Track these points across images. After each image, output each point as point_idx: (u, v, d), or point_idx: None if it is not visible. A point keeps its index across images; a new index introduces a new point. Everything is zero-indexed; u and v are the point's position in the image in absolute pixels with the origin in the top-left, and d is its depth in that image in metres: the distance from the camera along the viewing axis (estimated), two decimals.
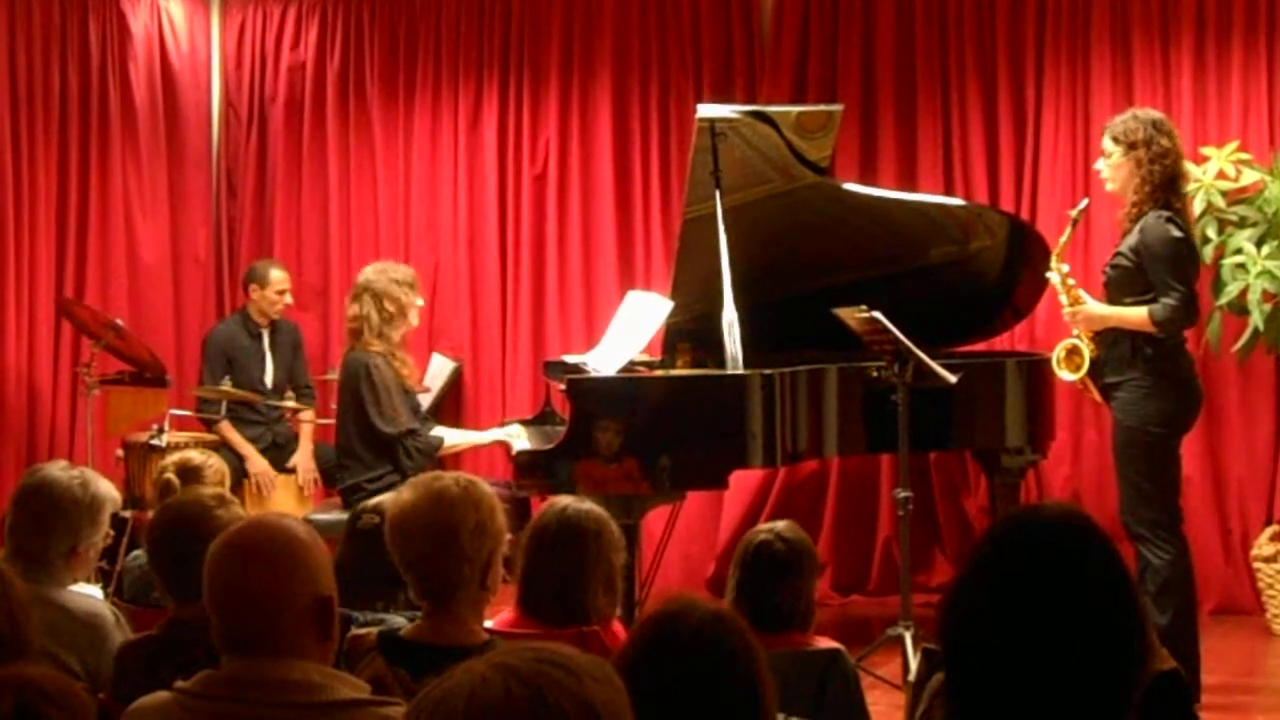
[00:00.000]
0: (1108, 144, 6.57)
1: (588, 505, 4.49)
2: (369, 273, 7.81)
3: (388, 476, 7.33)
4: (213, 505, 4.14)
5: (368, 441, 7.54)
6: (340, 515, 6.99)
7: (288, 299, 8.88)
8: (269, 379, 8.83)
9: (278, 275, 8.85)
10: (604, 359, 7.14)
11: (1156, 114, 6.68)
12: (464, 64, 9.53)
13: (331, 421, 8.78)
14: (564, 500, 4.53)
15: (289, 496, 8.60)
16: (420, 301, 7.85)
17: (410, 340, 8.06)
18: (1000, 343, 8.21)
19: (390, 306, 7.60)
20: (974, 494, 8.52)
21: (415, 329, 7.98)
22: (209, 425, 8.62)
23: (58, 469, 4.54)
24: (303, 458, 8.70)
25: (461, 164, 9.53)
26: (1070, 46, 8.43)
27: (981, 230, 7.67)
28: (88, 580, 4.73)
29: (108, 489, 4.56)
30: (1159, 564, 6.35)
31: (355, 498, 7.09)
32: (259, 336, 8.84)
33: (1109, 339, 6.54)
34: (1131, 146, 6.46)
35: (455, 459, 8.36)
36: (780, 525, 4.58)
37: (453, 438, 7.80)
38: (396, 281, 7.66)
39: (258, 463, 8.56)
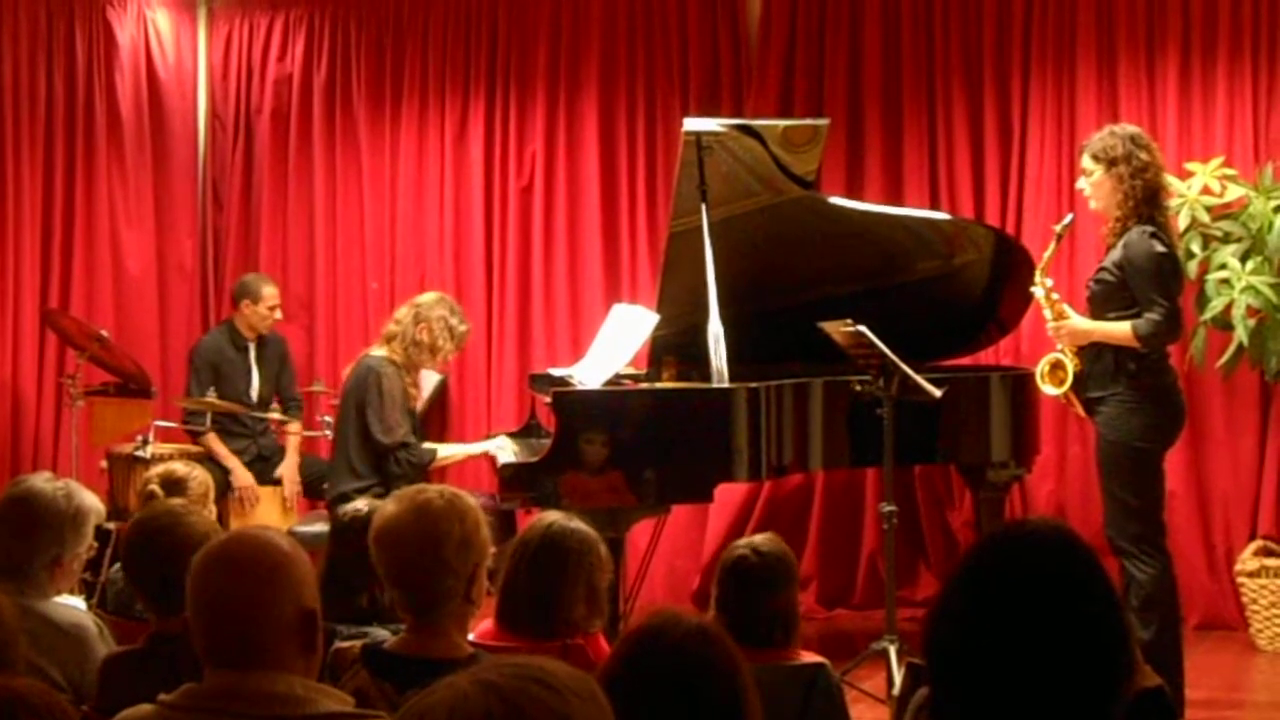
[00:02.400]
0: (1087, 163, 6.57)
1: (576, 524, 4.48)
2: (433, 297, 7.86)
3: (375, 489, 7.31)
4: (182, 513, 4.14)
5: (364, 450, 7.53)
6: (325, 528, 6.98)
7: (277, 315, 8.88)
8: (254, 392, 8.83)
9: (270, 291, 8.84)
10: (589, 372, 7.14)
11: (1133, 128, 6.68)
12: (450, 76, 9.54)
13: (317, 434, 8.80)
14: (552, 516, 4.52)
15: (273, 509, 8.59)
16: (451, 358, 7.92)
17: None
18: (985, 357, 8.22)
19: (424, 335, 7.62)
20: (959, 508, 8.52)
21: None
22: (195, 437, 8.61)
23: (42, 480, 4.54)
24: (288, 469, 8.71)
25: (448, 176, 9.54)
26: (1056, 61, 8.45)
27: (967, 244, 7.68)
28: (71, 592, 4.73)
29: (92, 500, 4.56)
30: (1143, 579, 6.35)
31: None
32: (245, 350, 8.84)
33: (1092, 353, 6.54)
34: (1112, 163, 6.47)
35: (440, 471, 8.36)
36: (759, 539, 4.58)
37: (445, 450, 7.81)
38: (447, 323, 7.68)
39: (242, 476, 8.55)
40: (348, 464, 7.58)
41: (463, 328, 7.81)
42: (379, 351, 7.67)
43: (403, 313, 7.76)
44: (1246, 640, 7.86)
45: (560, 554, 4.36)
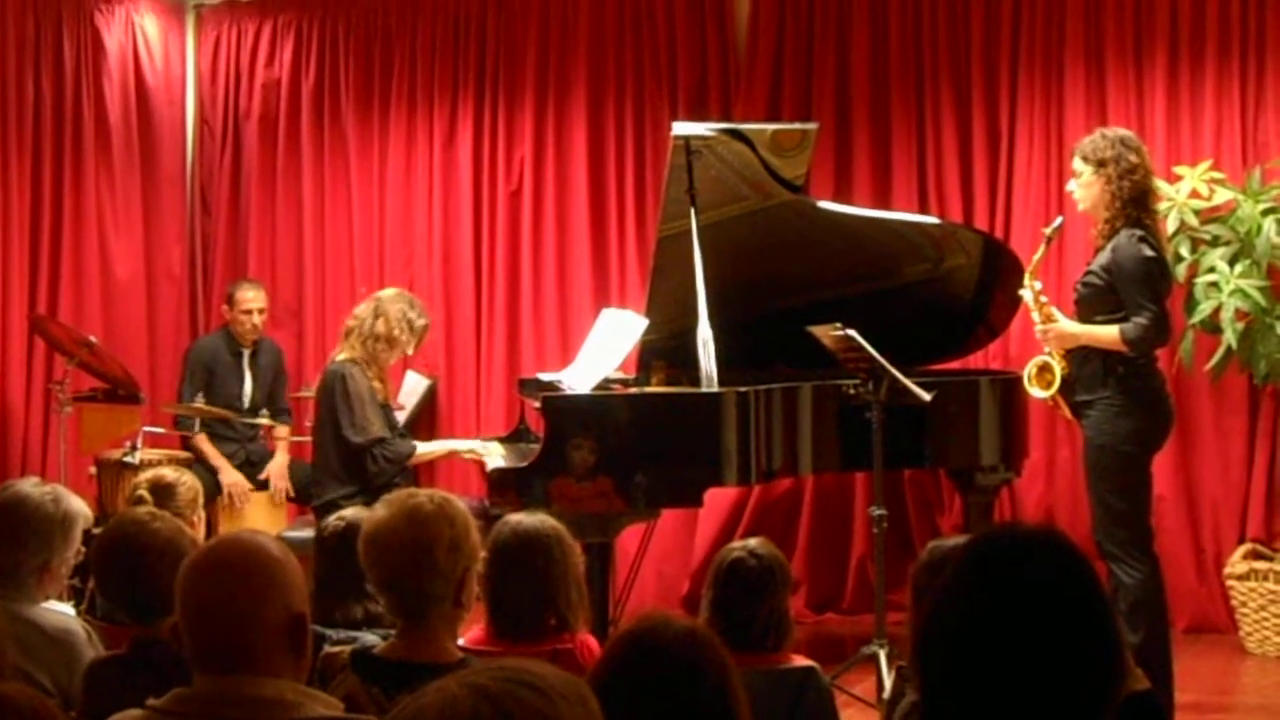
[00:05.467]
0: (1077, 164, 6.59)
1: (540, 516, 4.53)
2: (391, 291, 7.94)
3: (360, 495, 7.29)
4: (146, 520, 4.14)
5: (342, 455, 7.53)
6: (313, 533, 6.97)
7: (255, 319, 8.85)
8: (246, 398, 8.83)
9: (244, 295, 8.84)
10: (578, 377, 7.14)
11: (1124, 131, 6.70)
12: (439, 81, 9.54)
13: (307, 439, 8.79)
14: (515, 517, 4.55)
15: (261, 512, 8.59)
16: (410, 351, 7.90)
17: None
18: (974, 361, 8.22)
19: (381, 327, 7.62)
20: (948, 512, 8.52)
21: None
22: (184, 438, 8.60)
23: (29, 485, 4.53)
24: (276, 468, 8.72)
25: (436, 181, 9.54)
26: (1044, 65, 8.46)
27: (955, 248, 7.68)
28: (60, 598, 4.72)
29: (79, 505, 4.55)
30: (1130, 583, 6.35)
31: (329, 514, 7.04)
32: (240, 355, 8.85)
33: (1080, 357, 6.54)
34: (1100, 164, 6.48)
35: (429, 476, 8.35)
36: (753, 542, 4.60)
37: (425, 446, 7.81)
38: (405, 316, 7.68)
39: (231, 474, 8.57)
40: (330, 471, 7.58)
41: (421, 322, 7.80)
42: (341, 355, 7.68)
43: (362, 308, 7.78)
44: (1236, 643, 7.86)
45: (542, 548, 4.39)
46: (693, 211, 6.96)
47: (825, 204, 7.70)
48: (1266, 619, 7.73)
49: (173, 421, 8.71)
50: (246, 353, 8.88)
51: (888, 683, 6.27)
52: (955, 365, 8.08)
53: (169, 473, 5.45)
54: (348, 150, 9.74)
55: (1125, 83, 8.33)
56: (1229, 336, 7.59)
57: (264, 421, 8.77)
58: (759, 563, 4.47)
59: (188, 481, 5.37)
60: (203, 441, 8.62)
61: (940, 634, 2.32)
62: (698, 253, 6.85)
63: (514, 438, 7.81)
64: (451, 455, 8.06)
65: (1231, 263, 7.65)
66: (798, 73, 8.90)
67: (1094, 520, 6.52)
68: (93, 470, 8.42)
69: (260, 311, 8.91)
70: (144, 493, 5.22)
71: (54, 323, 8.99)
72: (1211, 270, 7.67)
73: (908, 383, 6.64)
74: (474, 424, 9.26)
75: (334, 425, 7.55)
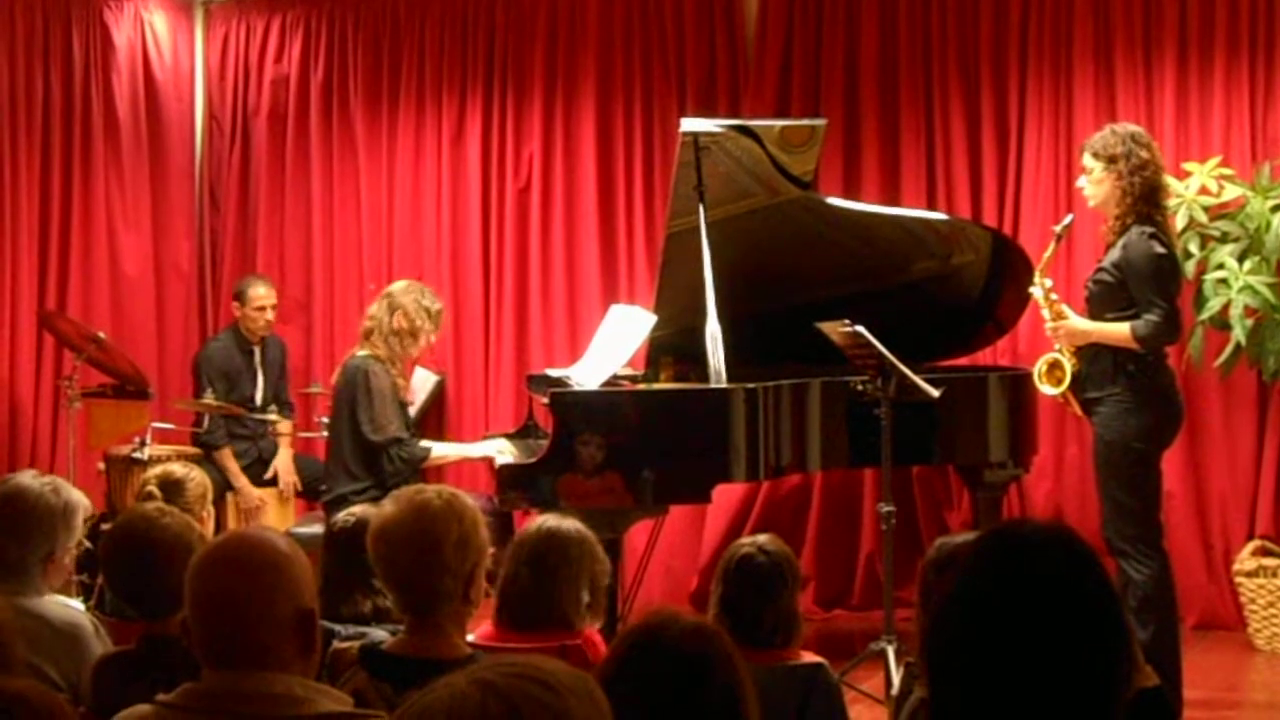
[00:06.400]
0: (1088, 160, 6.58)
1: (571, 522, 4.52)
2: (400, 284, 7.90)
3: (371, 490, 7.29)
4: (155, 516, 4.15)
5: (358, 451, 7.51)
6: (322, 529, 6.96)
7: (269, 315, 8.85)
8: (259, 395, 8.83)
9: (256, 292, 8.82)
10: (587, 373, 7.13)
11: (1134, 127, 6.70)
12: (448, 77, 9.54)
13: (312, 434, 8.80)
14: (544, 517, 4.56)
15: (272, 510, 8.59)
16: (433, 338, 7.87)
17: None
18: (982, 357, 8.21)
19: (401, 321, 7.60)
20: (957, 508, 8.51)
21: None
22: (210, 450, 8.56)
23: (28, 477, 4.54)
24: (282, 463, 8.71)
25: (445, 177, 9.54)
26: (1053, 61, 8.45)
27: (964, 245, 7.67)
28: (65, 589, 4.73)
29: (79, 495, 4.56)
30: (1140, 579, 6.35)
31: (339, 509, 7.04)
32: (251, 353, 8.84)
33: (1090, 354, 6.54)
34: (1111, 160, 6.47)
35: (438, 472, 8.35)
36: (762, 539, 4.59)
37: (440, 449, 7.79)
38: (420, 304, 7.67)
39: (248, 497, 8.54)
40: (343, 466, 7.57)
41: (436, 306, 7.79)
42: (362, 352, 7.67)
43: (375, 307, 7.76)
44: (1244, 640, 7.86)
45: (560, 550, 4.39)
46: (701, 208, 6.96)
47: (834, 200, 7.70)
48: (1275, 616, 7.72)
49: (191, 430, 8.69)
50: (257, 350, 8.87)
51: (896, 679, 6.27)
52: (964, 362, 8.07)
53: (178, 469, 5.45)
54: (356, 146, 9.74)
55: (1134, 79, 8.32)
56: (1238, 333, 7.58)
57: (272, 417, 8.77)
58: (768, 559, 4.47)
59: (196, 477, 5.37)
60: (227, 458, 8.59)
61: (949, 630, 2.32)
62: (706, 249, 6.85)
63: (522, 434, 7.81)
64: (463, 460, 8.06)
65: (1240, 259, 7.64)
66: (806, 69, 8.89)
67: (1103, 516, 6.52)
68: (101, 466, 8.43)
69: (273, 308, 8.91)
70: (153, 488, 5.23)
71: (63, 318, 9.01)
72: (1220, 267, 7.66)
73: (916, 379, 6.64)
74: (482, 420, 9.26)
75: (351, 419, 7.53)
